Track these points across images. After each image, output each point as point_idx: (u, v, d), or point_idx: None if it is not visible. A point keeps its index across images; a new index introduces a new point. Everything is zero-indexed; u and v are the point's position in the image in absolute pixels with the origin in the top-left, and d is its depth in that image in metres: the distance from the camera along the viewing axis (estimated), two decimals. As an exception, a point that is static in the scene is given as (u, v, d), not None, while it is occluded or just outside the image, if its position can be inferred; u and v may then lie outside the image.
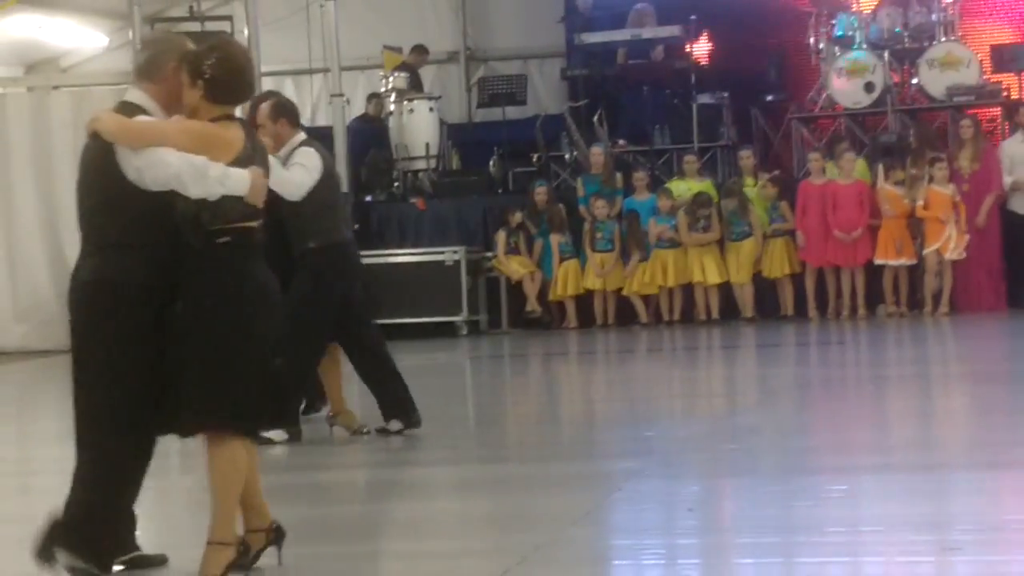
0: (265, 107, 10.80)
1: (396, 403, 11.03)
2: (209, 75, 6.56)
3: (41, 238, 20.21)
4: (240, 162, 6.57)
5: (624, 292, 19.48)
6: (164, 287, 6.57)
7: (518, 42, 23.06)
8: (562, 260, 19.59)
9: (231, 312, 6.56)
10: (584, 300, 19.67)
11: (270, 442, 10.45)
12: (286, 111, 10.88)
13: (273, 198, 10.06)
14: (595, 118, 20.93)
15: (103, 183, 6.62)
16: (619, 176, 20.06)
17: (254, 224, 6.65)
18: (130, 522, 6.94)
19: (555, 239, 19.61)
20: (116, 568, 6.85)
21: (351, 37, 20.27)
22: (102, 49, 22.80)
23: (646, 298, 19.51)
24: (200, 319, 6.53)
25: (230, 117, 6.71)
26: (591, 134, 20.76)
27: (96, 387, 6.73)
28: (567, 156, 20.91)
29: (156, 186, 6.47)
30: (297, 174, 10.56)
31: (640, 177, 19.96)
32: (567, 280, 19.58)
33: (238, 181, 6.51)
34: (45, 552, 6.75)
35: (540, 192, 19.86)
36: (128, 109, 6.73)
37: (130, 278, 6.60)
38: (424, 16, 23.08)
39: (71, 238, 19.82)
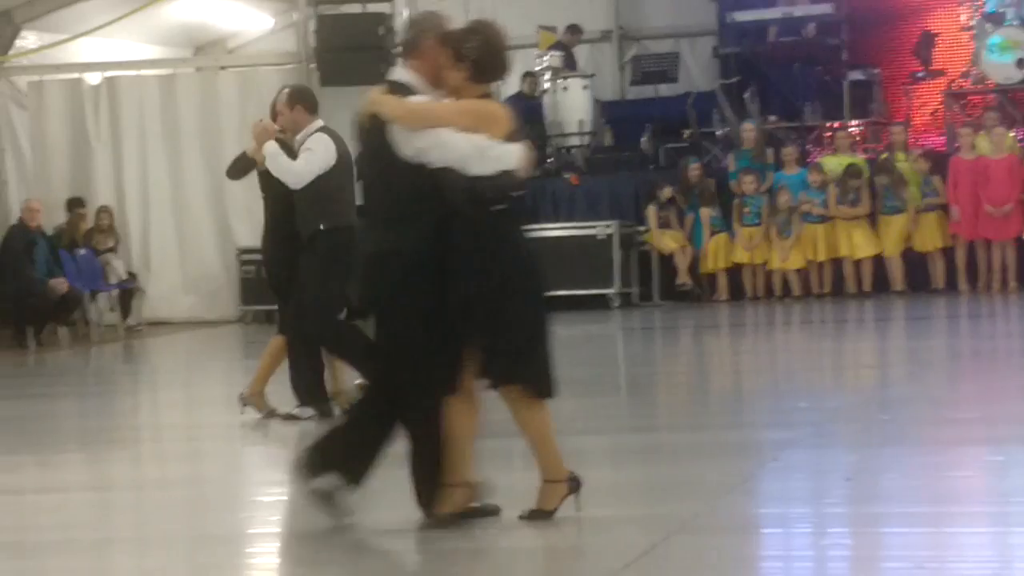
0: (283, 94, 11.05)
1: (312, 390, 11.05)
2: (473, 56, 6.76)
3: (208, 213, 20.49)
4: (511, 137, 6.77)
5: (771, 266, 19.33)
6: (436, 254, 6.77)
7: (670, 21, 22.90)
8: (712, 234, 19.50)
9: (506, 276, 6.76)
10: (734, 273, 19.57)
11: (295, 418, 10.80)
12: (303, 98, 11.06)
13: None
14: (746, 95, 20.76)
15: (379, 161, 6.84)
16: (770, 151, 19.93)
17: (522, 193, 6.90)
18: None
19: (705, 213, 19.53)
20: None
21: (507, 17, 20.14)
22: (268, 31, 23.04)
23: (795, 272, 19.33)
24: (482, 286, 6.74)
25: (488, 95, 6.89)
26: (742, 110, 20.61)
27: (391, 351, 6.99)
28: (718, 132, 20.76)
29: (437, 164, 6.68)
30: (300, 164, 10.76)
31: (790, 152, 19.81)
32: (717, 253, 19.51)
33: (513, 156, 6.73)
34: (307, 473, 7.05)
35: (692, 168, 19.79)
36: (397, 88, 6.91)
37: (407, 247, 6.81)
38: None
39: (237, 213, 20.22)
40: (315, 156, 10.70)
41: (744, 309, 18.94)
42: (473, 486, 7.03)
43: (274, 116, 11.07)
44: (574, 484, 7.02)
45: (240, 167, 11.80)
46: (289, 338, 11.00)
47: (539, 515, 6.97)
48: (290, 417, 10.88)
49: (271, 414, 11.07)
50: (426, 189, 6.73)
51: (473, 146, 6.64)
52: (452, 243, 6.77)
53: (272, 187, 10.95)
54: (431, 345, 6.85)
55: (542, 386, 6.91)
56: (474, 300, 6.80)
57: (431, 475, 6.99)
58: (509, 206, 6.79)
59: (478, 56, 6.76)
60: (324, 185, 10.69)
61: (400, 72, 7.00)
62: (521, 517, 7.02)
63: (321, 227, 10.74)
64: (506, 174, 6.72)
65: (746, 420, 10.84)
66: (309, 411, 10.83)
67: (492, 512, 7.13)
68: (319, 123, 10.98)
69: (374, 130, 6.80)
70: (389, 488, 7.31)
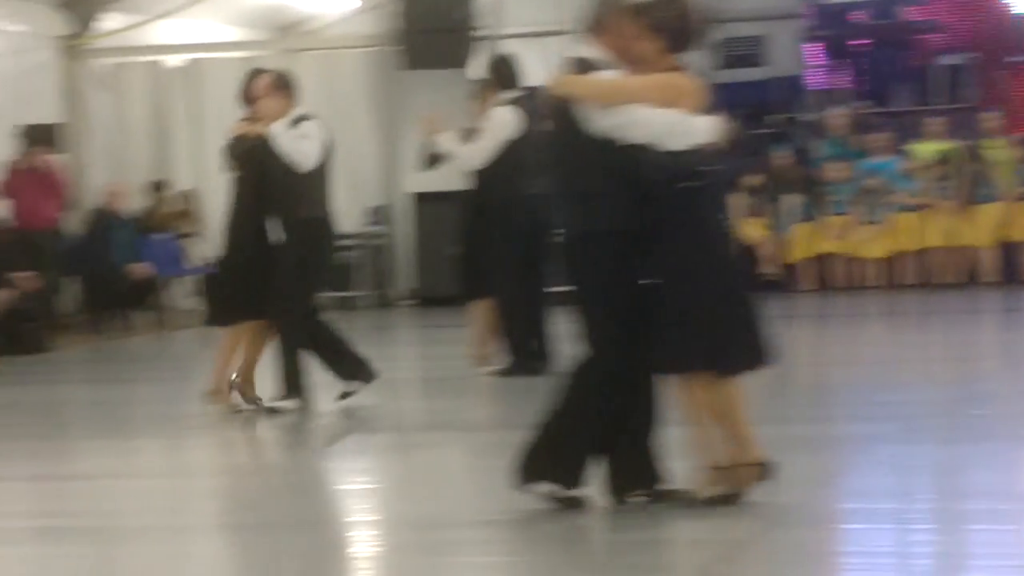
0: (264, 79, 11.26)
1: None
2: (669, 26, 6.77)
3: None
4: (704, 110, 6.80)
5: (858, 255, 19.25)
6: (628, 232, 6.79)
7: (757, 3, 22.80)
8: (799, 223, 19.43)
9: (703, 256, 6.79)
10: (819, 262, 19.48)
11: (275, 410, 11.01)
12: (284, 84, 11.26)
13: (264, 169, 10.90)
14: (834, 80, 20.69)
15: (570, 140, 6.88)
16: (859, 138, 19.82)
17: (714, 168, 6.84)
18: (648, 457, 7.15)
19: (793, 201, 19.44)
20: (639, 499, 7.07)
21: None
22: (349, 13, 23.11)
23: (883, 261, 19.24)
24: (672, 266, 6.77)
25: (678, 68, 6.84)
26: (830, 96, 20.52)
27: (589, 329, 6.99)
28: (804, 118, 20.66)
29: (630, 141, 6.69)
30: (307, 146, 10.99)
31: (879, 139, 19.68)
32: (804, 242, 19.43)
33: (707, 129, 6.74)
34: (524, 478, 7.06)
35: (779, 156, 19.72)
36: (584, 65, 6.97)
37: (598, 225, 6.85)
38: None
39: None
40: (317, 138, 11.07)
41: (829, 299, 18.86)
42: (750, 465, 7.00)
43: (249, 100, 11.27)
44: (764, 469, 6.97)
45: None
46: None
47: (727, 499, 6.94)
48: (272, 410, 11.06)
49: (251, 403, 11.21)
50: (618, 166, 6.73)
51: (666, 122, 6.63)
52: (647, 221, 6.76)
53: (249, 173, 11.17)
54: (625, 325, 6.86)
55: (734, 365, 6.91)
56: (667, 279, 6.81)
57: (634, 457, 7.05)
58: (705, 182, 6.75)
59: (674, 26, 6.78)
60: (310, 173, 10.98)
61: (586, 48, 7.01)
62: (708, 501, 6.95)
63: (303, 215, 11.04)
64: (701, 148, 6.71)
65: (833, 414, 10.82)
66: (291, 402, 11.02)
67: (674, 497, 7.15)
68: (300, 109, 11.23)
69: (563, 108, 6.82)
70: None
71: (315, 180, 11.08)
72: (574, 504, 7.02)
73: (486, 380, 12.32)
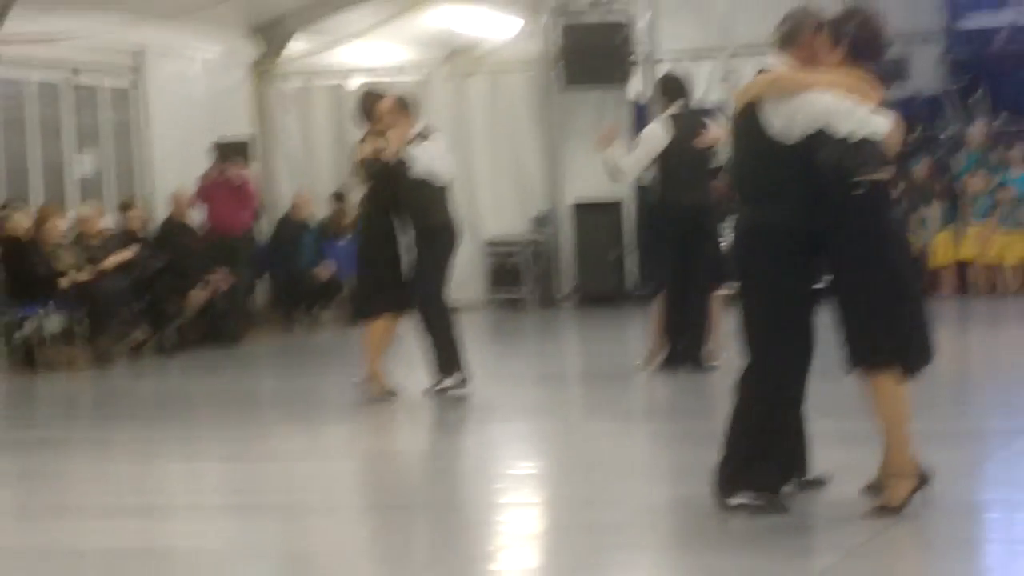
0: (388, 101, 11.48)
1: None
2: (852, 35, 6.71)
3: (459, 208, 20.60)
4: (879, 112, 6.68)
5: (998, 262, 18.91)
6: (806, 231, 6.70)
7: (900, 24, 22.44)
8: (940, 231, 19.16)
9: (879, 258, 6.66)
10: (959, 269, 19.17)
11: (445, 390, 11.25)
12: (406, 105, 11.53)
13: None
14: (973, 97, 20.32)
15: (751, 142, 6.82)
16: (998, 151, 19.49)
17: (887, 176, 6.72)
18: (802, 446, 7.08)
19: (933, 210, 19.17)
20: (787, 489, 6.97)
21: (741, 22, 20.06)
22: (513, 37, 23.16)
23: (1020, 268, 18.86)
24: (853, 266, 6.65)
25: (863, 78, 6.74)
26: (971, 112, 20.18)
27: (758, 321, 6.90)
28: (943, 134, 20.31)
29: (805, 128, 6.59)
30: (445, 163, 11.61)
31: (1017, 152, 19.32)
32: (944, 250, 19.15)
33: (881, 122, 6.62)
34: (723, 494, 6.92)
35: (920, 167, 19.44)
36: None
37: (777, 223, 6.77)
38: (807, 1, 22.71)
39: (486, 207, 20.41)
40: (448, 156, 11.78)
41: (969, 304, 18.49)
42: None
43: (374, 119, 11.46)
44: (922, 479, 6.77)
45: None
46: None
47: (886, 512, 6.68)
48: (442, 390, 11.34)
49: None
50: (795, 168, 6.64)
51: (838, 102, 6.53)
52: (821, 221, 6.66)
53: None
54: (793, 319, 6.77)
55: (912, 365, 6.76)
56: (852, 277, 6.69)
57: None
58: (871, 190, 6.60)
59: (855, 36, 6.70)
60: (436, 185, 11.42)
61: (774, 61, 6.97)
62: (868, 512, 6.75)
63: (432, 222, 11.45)
64: (869, 147, 6.57)
65: (974, 409, 10.59)
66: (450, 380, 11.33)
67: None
68: (422, 127, 11.61)
69: (747, 114, 6.76)
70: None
71: (443, 191, 11.47)
72: (777, 509, 6.82)
73: (645, 373, 12.21)
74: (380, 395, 11.35)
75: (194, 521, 7.84)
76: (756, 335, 6.84)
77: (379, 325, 11.50)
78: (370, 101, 11.62)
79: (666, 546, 6.71)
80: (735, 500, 6.83)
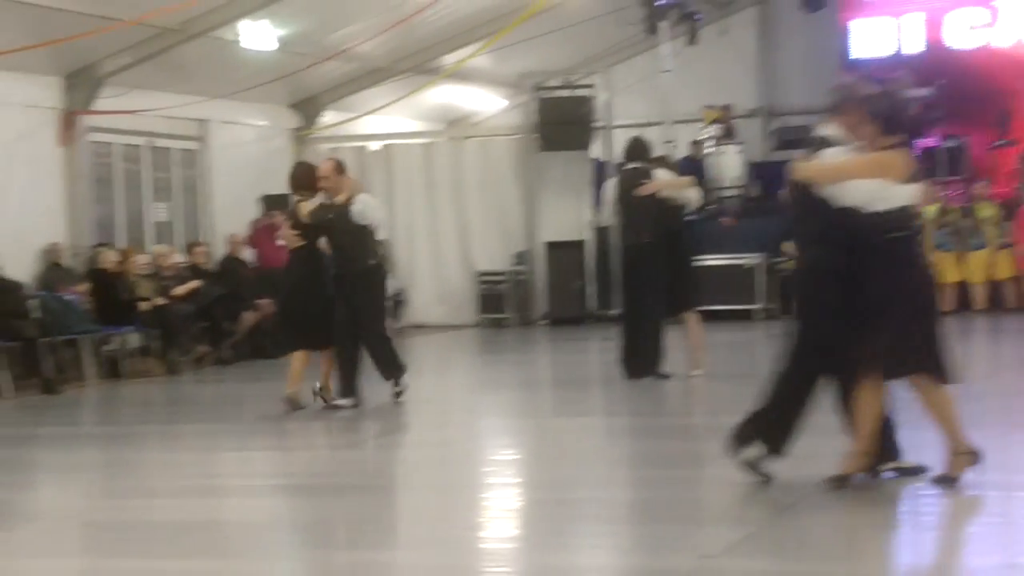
0: (329, 164, 11.06)
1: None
2: (883, 115, 6.68)
3: (455, 246, 20.66)
4: (910, 179, 6.71)
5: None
6: (847, 269, 6.72)
7: (805, 100, 22.56)
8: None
9: (908, 288, 6.67)
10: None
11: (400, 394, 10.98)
12: (343, 167, 11.12)
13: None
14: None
15: (807, 202, 6.87)
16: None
17: (911, 227, 6.81)
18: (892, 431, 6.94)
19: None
20: (888, 475, 6.86)
21: (680, 99, 20.11)
22: (500, 110, 23.23)
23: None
24: (890, 295, 6.63)
25: (899, 144, 6.70)
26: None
27: (805, 337, 6.91)
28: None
29: (848, 204, 6.66)
30: (383, 214, 11.46)
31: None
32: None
33: (907, 195, 6.68)
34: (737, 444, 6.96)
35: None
36: (824, 142, 6.97)
37: (824, 263, 6.83)
38: (734, 81, 22.80)
39: (476, 246, 20.41)
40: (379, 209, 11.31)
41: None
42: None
43: (308, 184, 11.00)
44: (975, 456, 6.73)
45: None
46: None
47: (946, 481, 6.69)
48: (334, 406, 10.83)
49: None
50: (839, 221, 6.70)
51: (872, 190, 6.59)
52: (860, 261, 6.68)
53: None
54: (839, 334, 6.73)
55: (942, 373, 6.69)
56: (879, 305, 6.67)
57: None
58: (905, 233, 6.69)
59: (888, 114, 6.68)
60: (371, 231, 11.01)
61: (827, 128, 7.01)
62: (934, 481, 6.73)
63: (372, 262, 11.03)
64: (902, 209, 6.65)
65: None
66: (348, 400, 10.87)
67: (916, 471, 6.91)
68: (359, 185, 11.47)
69: (802, 186, 6.87)
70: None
71: (375, 237, 11.08)
72: (766, 471, 6.87)
73: (610, 378, 12.01)
74: (297, 409, 10.84)
75: (245, 498, 7.79)
76: (806, 343, 6.88)
77: (300, 356, 10.95)
78: (306, 171, 11.19)
79: (622, 518, 6.68)
80: (743, 453, 6.89)
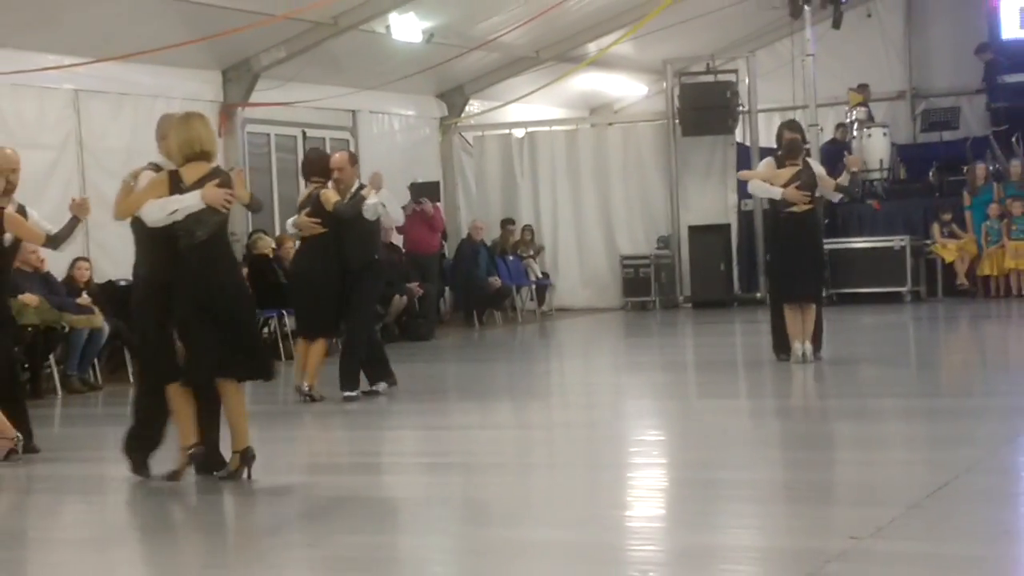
0: (343, 155, 10.79)
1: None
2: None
3: (599, 230, 20.64)
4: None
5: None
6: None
7: (952, 82, 22.00)
8: (988, 245, 18.64)
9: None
10: (1007, 276, 18.65)
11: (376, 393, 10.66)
12: (356, 159, 10.93)
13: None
14: (1013, 139, 19.75)
15: None
16: (1033, 182, 18.91)
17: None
18: None
19: (983, 229, 18.68)
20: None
21: (824, 82, 19.75)
22: (642, 96, 23.08)
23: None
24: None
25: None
26: (1010, 151, 19.61)
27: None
28: (989, 168, 19.75)
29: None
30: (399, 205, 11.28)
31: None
32: (991, 261, 18.62)
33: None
34: None
35: (967, 196, 18.98)
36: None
37: None
38: (879, 65, 22.31)
39: (620, 230, 20.35)
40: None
41: (1011, 305, 17.94)
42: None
43: (329, 172, 10.58)
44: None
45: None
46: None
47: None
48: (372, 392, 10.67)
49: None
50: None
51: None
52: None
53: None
54: None
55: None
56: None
57: None
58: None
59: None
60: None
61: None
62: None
63: (377, 256, 10.75)
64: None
65: (1012, 389, 10.24)
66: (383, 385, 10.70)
67: None
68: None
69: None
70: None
71: (378, 229, 10.85)
72: None
73: (754, 360, 11.91)
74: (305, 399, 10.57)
75: (395, 474, 7.90)
76: None
77: (320, 345, 10.60)
78: (320, 158, 10.89)
79: (767, 499, 6.58)
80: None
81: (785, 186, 10.94)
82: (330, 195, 10.42)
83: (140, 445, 7.39)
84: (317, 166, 10.77)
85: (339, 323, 10.66)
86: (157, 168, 7.26)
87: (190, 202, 6.88)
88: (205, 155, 7.04)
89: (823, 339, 11.68)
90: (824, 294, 11.88)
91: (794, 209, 11.05)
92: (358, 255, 10.46)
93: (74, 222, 8.35)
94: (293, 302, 11.45)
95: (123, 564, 5.90)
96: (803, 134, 11.87)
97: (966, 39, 21.43)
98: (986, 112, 21.25)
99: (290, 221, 11.05)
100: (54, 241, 8.46)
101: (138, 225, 7.13)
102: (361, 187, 10.56)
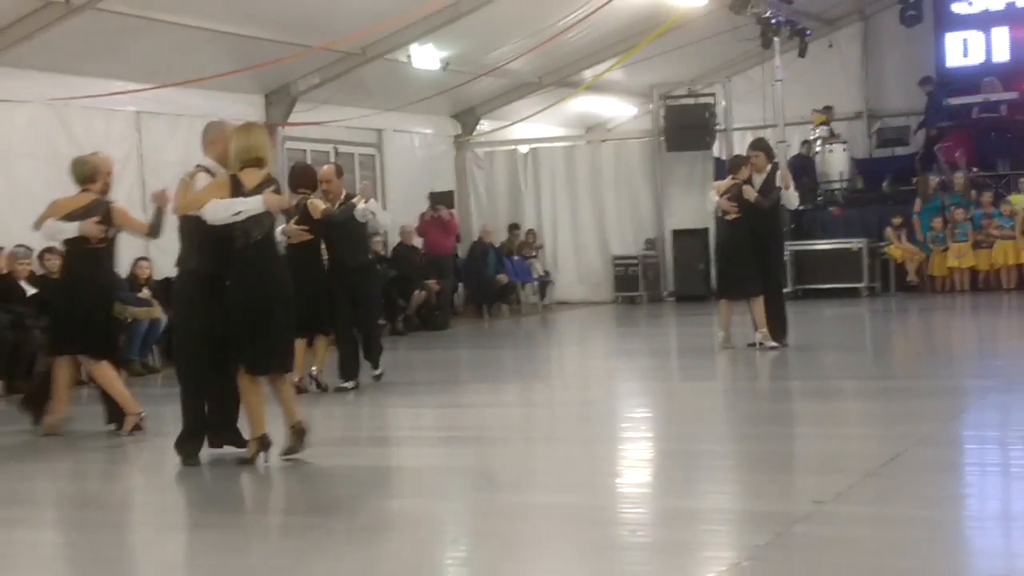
0: (331, 168, 10.31)
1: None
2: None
3: (594, 234, 20.60)
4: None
5: (976, 269, 18.32)
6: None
7: (904, 104, 21.94)
8: (935, 248, 18.61)
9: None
10: (950, 274, 18.60)
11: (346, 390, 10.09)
12: (342, 172, 10.40)
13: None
14: (956, 154, 19.69)
15: None
16: (973, 192, 18.81)
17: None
18: None
19: (930, 235, 18.61)
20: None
21: (792, 104, 19.70)
22: (632, 117, 23.04)
23: (989, 273, 18.23)
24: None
25: None
26: (954, 165, 19.55)
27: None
28: (936, 180, 19.69)
29: None
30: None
31: (987, 196, 18.63)
32: (939, 261, 18.59)
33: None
34: None
35: (917, 204, 18.91)
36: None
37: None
38: (840, 88, 22.24)
39: (612, 233, 20.30)
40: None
41: (954, 299, 17.90)
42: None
43: (316, 183, 10.10)
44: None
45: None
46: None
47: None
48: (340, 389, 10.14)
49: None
50: None
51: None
52: None
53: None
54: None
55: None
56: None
57: None
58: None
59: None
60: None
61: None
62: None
63: (371, 257, 10.48)
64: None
65: (957, 372, 10.24)
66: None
67: None
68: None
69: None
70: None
71: (368, 235, 10.55)
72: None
73: (726, 348, 11.86)
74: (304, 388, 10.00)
75: (414, 448, 7.90)
76: None
77: (323, 341, 10.14)
78: (306, 171, 10.30)
79: (741, 468, 6.58)
80: None
81: (720, 196, 11.22)
82: (317, 203, 9.95)
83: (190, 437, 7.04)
84: (304, 178, 10.20)
85: (328, 321, 10.07)
86: (206, 171, 7.06)
87: (253, 205, 6.71)
88: (260, 162, 6.86)
89: (787, 328, 11.64)
90: (780, 290, 11.74)
91: (728, 217, 11.25)
92: (352, 256, 10.09)
93: (160, 211, 8.19)
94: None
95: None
96: (768, 151, 11.84)
97: (915, 67, 21.43)
98: (932, 130, 21.19)
99: (279, 229, 10.39)
100: (153, 229, 8.28)
101: (188, 222, 6.93)
102: (349, 196, 10.18)
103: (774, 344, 11.40)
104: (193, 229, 6.92)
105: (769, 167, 11.55)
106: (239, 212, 6.68)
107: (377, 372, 10.52)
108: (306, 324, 9.85)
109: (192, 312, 6.95)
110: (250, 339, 6.73)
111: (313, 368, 10.22)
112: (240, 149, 6.84)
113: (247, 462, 6.87)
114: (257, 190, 6.77)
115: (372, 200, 10.19)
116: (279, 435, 6.99)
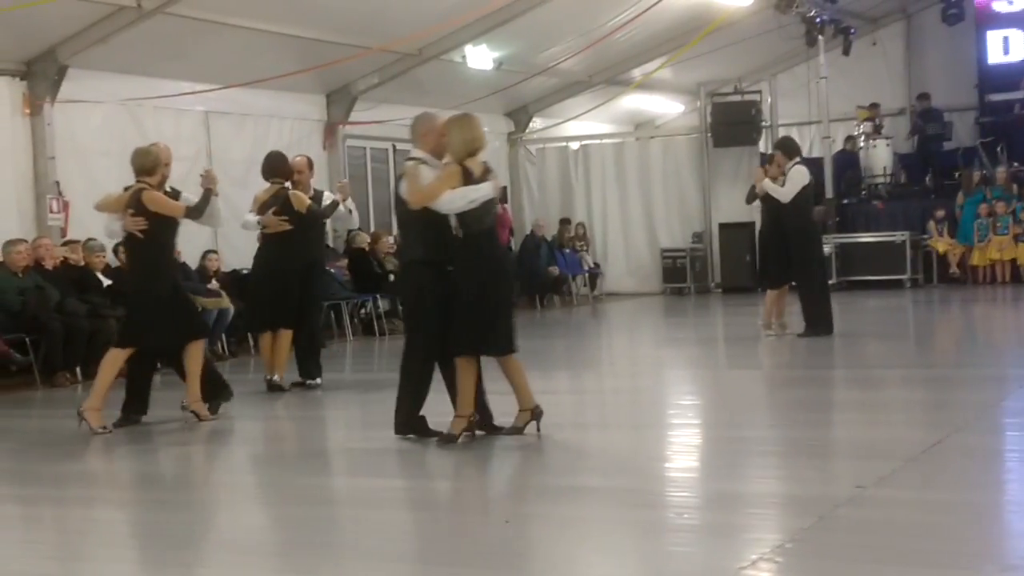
0: (303, 160, 9.90)
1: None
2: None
3: (643, 227, 20.54)
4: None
5: (1020, 261, 18.01)
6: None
7: (947, 100, 21.59)
8: (979, 240, 18.32)
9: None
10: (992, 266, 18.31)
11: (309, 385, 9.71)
12: (313, 164, 10.08)
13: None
14: (998, 149, 19.39)
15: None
16: (1015, 186, 18.52)
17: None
18: None
19: (975, 226, 18.37)
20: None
21: (837, 100, 19.49)
22: (680, 114, 22.92)
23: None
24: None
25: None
26: (995, 160, 19.25)
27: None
28: (979, 173, 19.40)
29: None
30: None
31: (1030, 186, 18.38)
32: (981, 253, 18.30)
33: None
34: None
35: (960, 197, 18.65)
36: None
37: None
38: (883, 85, 21.96)
39: (660, 226, 20.23)
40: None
41: (996, 290, 17.63)
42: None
43: (289, 173, 9.69)
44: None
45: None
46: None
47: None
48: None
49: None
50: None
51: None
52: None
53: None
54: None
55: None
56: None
57: None
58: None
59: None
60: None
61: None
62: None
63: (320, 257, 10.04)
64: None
65: (998, 361, 10.09)
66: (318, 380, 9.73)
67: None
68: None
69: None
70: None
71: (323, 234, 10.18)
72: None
73: (770, 338, 11.85)
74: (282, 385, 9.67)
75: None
76: None
77: (286, 336, 9.62)
78: (280, 159, 9.81)
79: (785, 454, 6.55)
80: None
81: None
82: (302, 197, 9.56)
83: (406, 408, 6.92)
84: (277, 167, 9.76)
85: (293, 315, 9.60)
86: (424, 163, 6.83)
87: (485, 191, 6.64)
88: (479, 151, 6.83)
89: (820, 320, 11.56)
90: (809, 282, 11.68)
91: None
92: (305, 255, 9.59)
93: (207, 194, 8.03)
94: (254, 296, 9.99)
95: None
96: (787, 149, 11.61)
97: (958, 64, 21.11)
98: (975, 126, 20.88)
99: (251, 218, 9.72)
100: (195, 211, 8.01)
101: (408, 213, 6.68)
102: (318, 193, 9.86)
103: (770, 333, 11.58)
104: (412, 220, 6.78)
105: (790, 164, 11.50)
106: (474, 200, 6.59)
107: (312, 381, 9.76)
108: (271, 319, 9.61)
109: (423, 298, 6.77)
110: (489, 322, 6.65)
111: (275, 375, 9.65)
112: (468, 140, 6.76)
113: (447, 440, 6.75)
114: (484, 177, 6.71)
115: (348, 200, 9.95)
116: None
